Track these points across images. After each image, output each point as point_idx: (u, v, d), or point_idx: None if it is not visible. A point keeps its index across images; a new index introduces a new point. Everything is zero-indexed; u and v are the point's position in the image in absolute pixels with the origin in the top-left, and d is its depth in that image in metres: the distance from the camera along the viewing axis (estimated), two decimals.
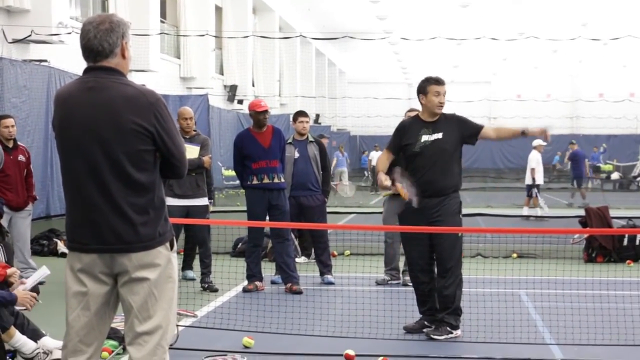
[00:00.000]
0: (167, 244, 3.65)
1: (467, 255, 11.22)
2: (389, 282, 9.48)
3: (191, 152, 8.90)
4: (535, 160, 18.33)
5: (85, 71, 3.62)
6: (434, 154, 6.75)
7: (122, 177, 3.52)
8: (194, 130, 9.18)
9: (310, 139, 9.91)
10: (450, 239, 6.68)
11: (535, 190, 18.25)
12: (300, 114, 9.98)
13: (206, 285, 8.90)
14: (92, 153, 3.53)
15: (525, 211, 17.81)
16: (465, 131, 6.78)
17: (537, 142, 18.79)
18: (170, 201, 8.79)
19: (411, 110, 9.27)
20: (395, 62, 48.53)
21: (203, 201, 8.98)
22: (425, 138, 6.81)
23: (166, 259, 3.62)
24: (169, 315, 3.66)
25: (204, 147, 9.06)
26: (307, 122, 9.86)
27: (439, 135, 6.79)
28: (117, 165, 3.52)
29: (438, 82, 6.82)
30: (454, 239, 6.68)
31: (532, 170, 18.23)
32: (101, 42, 3.56)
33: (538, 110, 47.82)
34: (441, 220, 6.66)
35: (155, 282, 3.58)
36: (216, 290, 8.77)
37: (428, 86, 6.79)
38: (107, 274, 3.60)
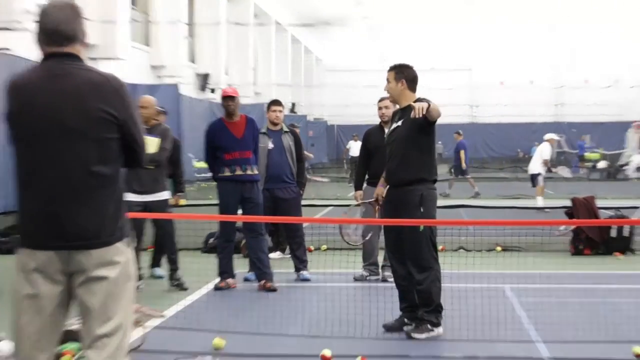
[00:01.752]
0: (126, 240, 3.61)
1: (449, 249, 11.19)
2: (368, 277, 9.39)
3: (149, 144, 8.70)
4: (548, 151, 18.54)
5: (47, 57, 3.57)
6: (392, 142, 6.82)
7: (87, 167, 3.49)
8: (154, 119, 8.97)
9: (285, 129, 9.81)
10: (411, 233, 6.64)
11: (539, 179, 18.42)
12: (274, 102, 9.87)
13: (175, 283, 8.78)
14: (55, 143, 3.48)
15: (540, 202, 17.87)
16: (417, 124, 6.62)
17: (549, 135, 19.04)
18: (130, 197, 8.67)
19: (385, 98, 9.17)
20: (374, 48, 48.52)
21: (163, 196, 8.81)
22: (394, 126, 6.86)
23: (125, 256, 3.58)
24: (129, 316, 3.62)
25: (164, 139, 8.80)
26: (280, 111, 9.75)
27: (399, 123, 6.81)
28: (82, 155, 3.48)
29: (388, 69, 6.89)
30: (414, 233, 6.63)
31: (546, 161, 18.41)
32: (72, 27, 3.57)
33: (521, 97, 48.06)
34: (399, 214, 6.69)
35: (115, 281, 3.53)
36: (186, 289, 8.64)
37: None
38: (62, 272, 3.53)
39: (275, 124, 9.75)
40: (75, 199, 3.47)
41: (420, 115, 6.27)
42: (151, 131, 8.78)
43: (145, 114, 8.76)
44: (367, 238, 8.50)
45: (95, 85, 3.52)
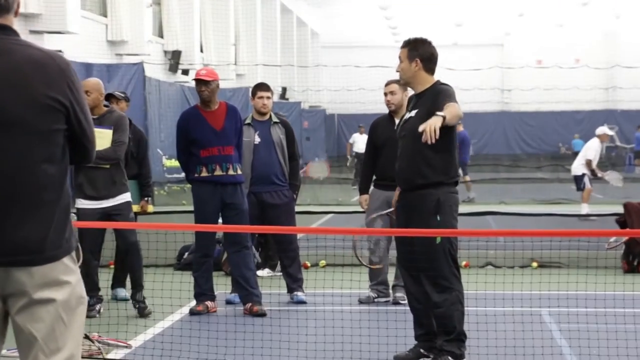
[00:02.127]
0: (73, 254, 3.62)
1: (474, 265, 11.31)
2: (376, 299, 9.51)
3: (101, 137, 8.55)
4: (594, 150, 18.57)
5: None
6: (404, 136, 6.90)
7: (30, 167, 3.49)
8: (105, 106, 8.94)
9: (274, 119, 9.89)
10: (424, 245, 6.75)
11: (586, 180, 18.49)
12: (260, 87, 9.93)
13: (137, 305, 8.85)
14: None
15: (586, 209, 17.99)
16: (432, 109, 6.66)
17: (601, 129, 19.10)
18: (82, 204, 8.77)
19: (391, 82, 9.30)
20: (382, 20, 48.57)
21: (123, 198, 8.85)
22: (406, 116, 6.95)
23: (74, 273, 3.60)
24: (79, 347, 3.65)
25: (118, 130, 8.78)
26: (268, 97, 9.81)
27: (412, 113, 6.89)
28: (25, 151, 3.48)
29: (401, 45, 6.99)
30: (429, 245, 6.74)
31: (589, 162, 18.44)
32: None
33: (564, 80, 48.10)
34: (410, 222, 6.80)
35: (64, 305, 3.54)
36: (148, 314, 8.71)
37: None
38: None
39: (262, 114, 9.84)
40: (15, 205, 3.47)
41: (433, 141, 6.31)
42: (101, 121, 8.73)
43: (90, 101, 8.67)
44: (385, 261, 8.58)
45: (39, 66, 3.50)
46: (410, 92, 7.38)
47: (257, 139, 9.75)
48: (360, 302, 9.48)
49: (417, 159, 6.79)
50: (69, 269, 3.56)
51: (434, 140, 6.31)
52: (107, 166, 8.72)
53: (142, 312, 8.79)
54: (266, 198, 9.72)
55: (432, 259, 6.75)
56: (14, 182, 3.46)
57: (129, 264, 9.06)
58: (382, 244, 8.26)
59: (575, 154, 44.60)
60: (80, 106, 3.61)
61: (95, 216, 8.69)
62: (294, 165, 9.95)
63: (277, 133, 9.79)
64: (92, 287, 8.85)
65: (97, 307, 8.88)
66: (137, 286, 8.91)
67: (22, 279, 3.48)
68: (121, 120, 8.88)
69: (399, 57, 6.96)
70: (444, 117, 6.40)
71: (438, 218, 6.72)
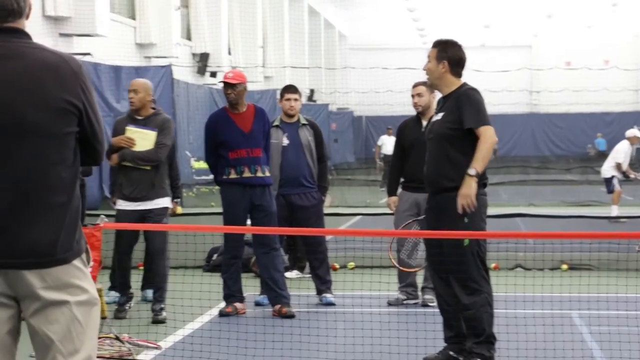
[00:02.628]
0: (83, 256, 3.64)
1: (503, 268, 11.27)
2: (405, 301, 9.50)
3: (145, 139, 8.72)
4: (624, 152, 18.52)
5: None
6: (431, 139, 6.94)
7: (43, 170, 3.51)
8: (153, 109, 8.98)
9: (303, 121, 9.90)
10: (453, 248, 6.75)
11: (615, 182, 18.43)
12: (288, 89, 9.95)
13: (152, 314, 8.74)
14: (4, 140, 3.49)
15: (615, 211, 17.91)
16: (459, 117, 6.79)
17: (631, 132, 19.03)
18: (121, 205, 8.84)
19: (418, 84, 9.32)
20: (410, 21, 48.52)
21: (161, 203, 8.85)
22: (434, 118, 6.98)
23: (86, 275, 3.63)
24: (96, 347, 3.68)
25: (162, 133, 8.81)
26: (296, 99, 9.83)
27: (439, 116, 6.93)
28: (38, 155, 3.50)
29: (432, 45, 7.01)
30: (457, 248, 6.74)
31: (618, 165, 18.40)
32: None
33: (593, 81, 47.83)
34: (438, 225, 6.81)
35: (79, 306, 3.56)
36: (161, 322, 8.62)
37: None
38: (8, 295, 3.54)
39: (290, 115, 9.86)
40: (27, 208, 3.49)
41: (473, 210, 6.60)
42: (146, 122, 8.81)
43: (136, 100, 8.78)
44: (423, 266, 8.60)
45: (52, 68, 3.52)
46: (438, 94, 7.38)
47: (286, 141, 9.76)
48: (389, 304, 9.47)
49: (444, 161, 6.80)
50: (80, 271, 3.59)
51: (473, 209, 6.58)
52: (148, 168, 8.74)
53: (156, 318, 8.68)
54: (295, 200, 9.73)
55: (461, 261, 6.75)
56: (26, 185, 3.49)
57: (154, 270, 9.06)
58: (420, 247, 8.27)
59: (600, 153, 44.55)
60: (92, 108, 3.64)
61: (132, 217, 8.71)
62: (322, 167, 9.96)
63: (306, 135, 9.81)
64: (123, 286, 8.96)
65: (127, 305, 8.94)
66: (158, 297, 8.83)
67: (33, 282, 3.50)
68: (166, 123, 8.89)
69: (428, 57, 6.97)
70: (476, 175, 6.58)
71: (466, 220, 6.72)
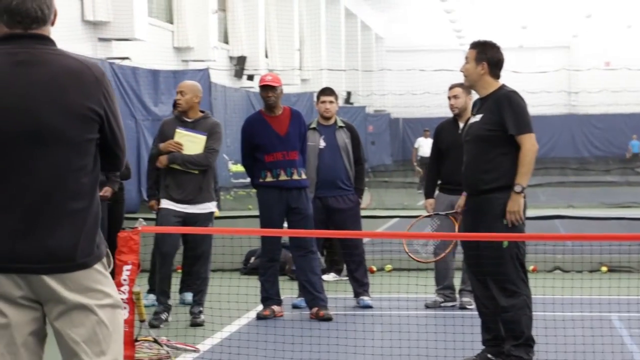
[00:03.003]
0: (104, 260, 3.66)
1: (541, 270, 11.21)
2: (442, 304, 9.48)
3: (194, 142, 8.68)
4: None
5: (7, 39, 3.56)
6: (469, 140, 6.93)
7: (64, 176, 3.53)
8: (202, 112, 8.91)
9: (340, 123, 9.89)
10: (492, 250, 6.72)
11: None
12: (323, 92, 9.95)
13: (191, 317, 8.75)
14: (26, 146, 3.51)
15: None
16: (500, 121, 6.79)
17: None
18: (165, 204, 8.78)
19: (455, 86, 9.30)
20: (447, 23, 48.38)
21: (207, 208, 8.80)
22: (471, 120, 6.97)
23: (107, 279, 3.65)
24: (122, 350, 3.70)
25: (212, 137, 8.73)
26: (331, 101, 9.81)
27: (477, 118, 6.91)
28: (59, 161, 3.52)
29: (470, 46, 7.00)
30: (496, 250, 6.71)
31: None
32: (40, 5, 3.57)
33: (632, 82, 47.38)
34: (476, 227, 6.79)
35: (102, 308, 3.59)
36: (200, 324, 8.63)
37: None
38: (30, 299, 3.57)
39: (326, 118, 9.86)
40: (48, 213, 3.51)
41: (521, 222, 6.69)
42: (194, 126, 8.75)
43: (183, 102, 8.72)
44: (441, 256, 8.58)
45: (74, 75, 3.54)
46: (474, 95, 7.36)
47: (323, 144, 9.76)
48: (427, 306, 9.45)
49: (482, 163, 6.79)
50: (101, 274, 3.62)
51: (521, 223, 6.68)
52: (196, 172, 8.70)
53: (194, 321, 8.69)
54: (331, 203, 9.73)
55: (500, 263, 6.72)
56: (46, 191, 3.51)
57: (196, 273, 8.97)
58: (432, 244, 8.23)
59: (635, 155, 44.12)
60: (114, 115, 3.66)
61: (175, 219, 8.67)
62: (359, 169, 9.95)
63: (343, 137, 9.80)
64: (162, 293, 8.84)
65: (164, 315, 8.76)
66: (198, 300, 8.82)
67: (54, 287, 3.52)
68: (216, 127, 8.83)
69: (466, 58, 6.95)
70: (522, 191, 6.66)
71: (505, 222, 6.70)
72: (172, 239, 8.80)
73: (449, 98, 9.38)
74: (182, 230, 8.66)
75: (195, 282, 9.01)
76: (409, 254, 7.60)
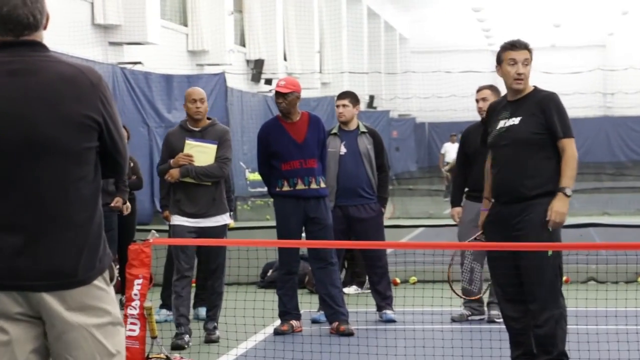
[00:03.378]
0: (106, 274, 3.64)
1: (575, 281, 11.15)
2: (469, 317, 9.45)
3: (205, 152, 8.60)
4: None
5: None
6: (507, 145, 6.84)
7: (62, 188, 3.53)
8: (208, 119, 8.87)
9: (362, 129, 9.86)
10: (535, 260, 6.67)
11: None
12: (339, 96, 9.89)
13: (205, 333, 8.66)
14: (22, 158, 3.52)
15: None
16: (545, 123, 6.77)
17: None
18: (177, 220, 8.67)
19: (483, 88, 9.29)
20: (475, 22, 48.34)
21: (221, 220, 8.72)
22: (502, 124, 6.88)
23: (109, 294, 3.64)
24: None
25: (224, 146, 8.68)
26: (344, 105, 9.69)
27: (516, 121, 6.84)
28: (57, 172, 3.53)
29: (513, 46, 6.91)
30: (540, 260, 6.67)
31: None
32: (32, 11, 3.57)
33: None
34: (520, 235, 6.71)
35: (100, 328, 3.58)
36: (216, 341, 8.56)
37: (502, 53, 6.93)
38: (30, 315, 3.57)
39: (344, 123, 9.80)
40: (48, 227, 3.51)
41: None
42: (203, 135, 8.66)
43: (203, 110, 8.63)
44: (484, 291, 8.61)
45: (69, 82, 3.55)
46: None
47: (343, 150, 9.73)
48: (453, 320, 9.43)
49: (525, 168, 6.75)
50: (102, 290, 3.60)
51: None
52: (209, 183, 8.62)
53: (209, 337, 8.63)
54: (352, 212, 9.70)
55: (541, 274, 6.67)
56: (45, 204, 3.51)
57: (210, 287, 8.88)
58: (477, 270, 8.27)
59: None
60: (113, 121, 3.64)
61: (190, 235, 8.57)
62: (382, 177, 9.90)
63: (364, 143, 9.75)
64: (182, 318, 8.60)
65: (186, 337, 8.56)
66: (212, 315, 8.76)
67: (53, 305, 3.52)
68: (226, 134, 8.75)
69: (526, 59, 6.86)
70: (571, 195, 6.69)
71: (550, 229, 6.67)
72: (188, 256, 8.63)
73: (477, 101, 9.36)
74: (197, 242, 8.57)
75: (209, 297, 8.97)
76: (455, 291, 7.75)
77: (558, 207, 6.61)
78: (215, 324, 8.77)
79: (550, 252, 6.66)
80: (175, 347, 8.28)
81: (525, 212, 6.73)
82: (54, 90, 3.54)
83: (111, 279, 3.68)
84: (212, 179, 8.61)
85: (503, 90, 7.33)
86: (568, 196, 6.65)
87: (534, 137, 6.75)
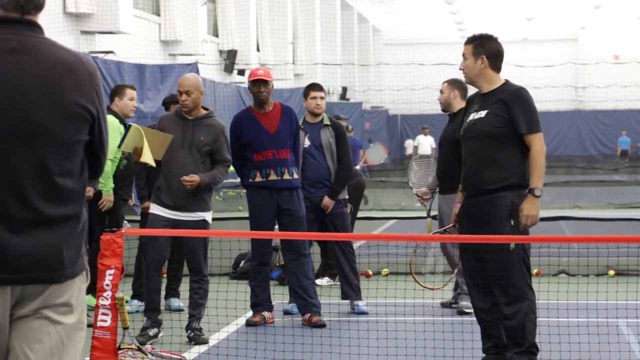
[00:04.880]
0: (85, 273, 3.55)
1: (545, 274, 11.21)
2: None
3: (160, 144, 8.18)
4: None
5: None
6: (473, 138, 6.90)
7: (49, 179, 3.39)
8: (204, 109, 8.44)
9: (326, 121, 9.80)
10: (499, 254, 6.72)
11: None
12: (313, 87, 9.82)
13: (192, 334, 8.40)
14: (10, 144, 3.36)
15: None
16: (509, 118, 6.80)
17: None
18: (155, 209, 8.39)
19: (451, 82, 9.42)
20: (448, 15, 48.44)
21: (200, 215, 8.36)
22: (471, 117, 6.97)
23: (83, 295, 3.55)
24: None
25: (224, 146, 8.36)
26: (322, 97, 9.70)
27: (482, 114, 6.89)
28: (47, 162, 3.38)
29: (465, 42, 7.01)
30: (503, 254, 6.71)
31: None
32: None
33: None
34: (482, 228, 6.76)
35: (67, 328, 3.47)
36: (204, 342, 8.35)
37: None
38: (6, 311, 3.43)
39: (316, 115, 9.78)
40: (33, 221, 3.38)
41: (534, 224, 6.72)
42: (196, 125, 8.34)
43: (190, 102, 8.26)
44: (444, 285, 8.67)
45: (70, 69, 3.42)
46: (471, 90, 7.40)
47: (307, 142, 9.68)
48: (443, 306, 9.67)
49: (488, 162, 6.79)
50: (78, 289, 3.51)
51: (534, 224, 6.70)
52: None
53: (197, 339, 8.35)
54: (319, 202, 9.61)
55: (505, 267, 6.71)
56: (31, 196, 3.37)
57: (192, 286, 8.56)
58: (441, 262, 8.39)
59: (623, 152, 44.25)
60: (104, 117, 3.54)
61: (162, 224, 8.26)
62: (340, 168, 9.73)
63: (327, 136, 9.69)
64: (152, 308, 8.39)
65: (152, 331, 8.31)
66: (197, 314, 8.46)
67: (34, 294, 3.40)
68: (222, 133, 8.47)
69: (463, 55, 6.96)
70: (541, 194, 6.69)
71: (512, 223, 6.71)
72: (158, 245, 8.33)
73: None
74: (167, 233, 8.23)
75: (193, 297, 8.55)
76: (416, 279, 7.76)
77: (528, 210, 6.64)
78: (200, 327, 8.42)
79: (512, 246, 6.68)
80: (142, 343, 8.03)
81: (489, 206, 6.79)
82: (53, 76, 3.39)
83: (87, 279, 3.56)
84: (216, 184, 8.48)
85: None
86: (537, 197, 6.67)
87: (496, 130, 6.78)
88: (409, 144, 34.35)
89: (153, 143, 8.03)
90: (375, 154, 14.72)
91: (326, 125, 9.74)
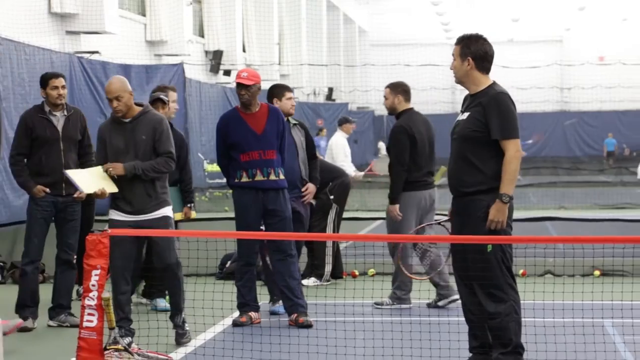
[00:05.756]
0: None
1: (531, 274, 11.23)
2: (389, 305, 9.67)
3: (92, 175, 8.19)
4: None
5: None
6: (455, 139, 6.97)
7: None
8: (140, 105, 8.26)
9: (293, 121, 9.84)
10: (475, 253, 6.75)
11: None
12: (287, 88, 9.95)
13: (175, 331, 8.28)
14: None
15: None
16: (485, 122, 6.84)
17: None
18: (115, 215, 8.20)
19: (393, 88, 9.64)
20: (434, 16, 48.51)
21: (161, 212, 8.19)
22: (459, 117, 7.01)
23: None
24: None
25: (162, 138, 8.16)
26: (295, 98, 9.90)
27: (464, 116, 6.95)
28: None
29: (455, 42, 7.05)
30: (481, 254, 6.74)
31: None
32: None
33: (627, 78, 47.64)
34: (462, 230, 6.85)
35: None
36: (186, 342, 8.27)
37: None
38: None
39: (289, 115, 9.78)
40: None
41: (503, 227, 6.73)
42: (135, 126, 8.15)
43: (122, 107, 8.07)
44: (439, 269, 8.69)
45: None
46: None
47: None
48: (429, 306, 9.65)
49: (463, 164, 6.86)
50: None
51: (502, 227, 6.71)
52: (146, 179, 8.09)
53: (180, 339, 8.27)
54: (294, 206, 9.55)
55: (485, 268, 6.74)
56: None
57: (168, 286, 8.59)
58: (431, 253, 8.39)
59: (609, 153, 44.48)
60: None
61: (127, 227, 8.02)
62: (313, 163, 9.87)
63: (298, 135, 9.77)
64: (122, 317, 8.06)
65: (126, 340, 7.72)
66: (176, 309, 8.38)
67: None
68: (159, 124, 8.21)
69: (452, 55, 6.99)
70: (509, 201, 6.71)
71: (486, 224, 6.75)
72: (124, 250, 8.06)
73: None
74: (151, 233, 8.06)
75: (172, 297, 8.47)
76: (402, 268, 7.74)
77: (493, 215, 6.70)
78: (183, 321, 8.34)
79: (490, 248, 6.71)
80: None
81: (468, 208, 6.86)
82: None
83: None
84: (160, 174, 8.17)
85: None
86: (505, 203, 6.69)
87: (473, 134, 6.81)
88: None
89: (98, 178, 8.11)
90: (382, 166, 14.80)
91: (295, 124, 9.82)
